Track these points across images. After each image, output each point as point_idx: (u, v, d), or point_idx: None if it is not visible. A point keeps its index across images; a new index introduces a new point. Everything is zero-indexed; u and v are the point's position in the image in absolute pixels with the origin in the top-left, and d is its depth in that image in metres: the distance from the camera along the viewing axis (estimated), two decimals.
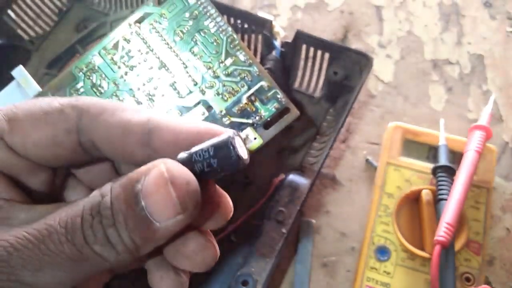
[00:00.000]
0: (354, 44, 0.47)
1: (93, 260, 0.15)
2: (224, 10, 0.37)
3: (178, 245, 0.18)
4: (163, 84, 0.33)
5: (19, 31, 0.46)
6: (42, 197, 0.19)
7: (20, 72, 0.33)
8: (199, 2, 0.33)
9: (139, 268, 0.20)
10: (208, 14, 0.33)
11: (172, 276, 0.18)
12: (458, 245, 0.34)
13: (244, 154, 0.16)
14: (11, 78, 0.35)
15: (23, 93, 0.33)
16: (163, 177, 0.15)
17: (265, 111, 0.33)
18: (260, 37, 0.41)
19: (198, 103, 0.33)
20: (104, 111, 0.17)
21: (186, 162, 0.16)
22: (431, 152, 0.39)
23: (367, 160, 0.41)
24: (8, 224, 0.16)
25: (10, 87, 0.34)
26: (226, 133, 0.16)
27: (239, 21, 0.40)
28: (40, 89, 0.33)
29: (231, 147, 0.16)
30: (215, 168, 0.16)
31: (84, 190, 0.20)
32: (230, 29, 0.33)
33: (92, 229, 0.15)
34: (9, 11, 0.45)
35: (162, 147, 0.17)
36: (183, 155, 0.16)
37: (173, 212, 0.15)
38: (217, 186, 0.19)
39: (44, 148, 0.17)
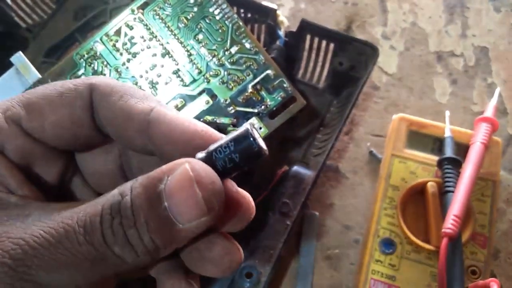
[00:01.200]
0: (358, 36, 0.46)
1: (111, 261, 0.15)
2: None
3: (201, 250, 0.17)
4: (166, 72, 0.32)
5: (17, 19, 0.45)
6: (53, 194, 0.18)
7: (19, 58, 0.33)
8: None
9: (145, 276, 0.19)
10: (213, 0, 0.32)
11: (184, 285, 0.18)
12: (464, 238, 0.34)
13: (263, 144, 0.16)
14: (9, 66, 0.34)
15: (22, 79, 0.32)
16: (188, 176, 0.15)
17: (271, 100, 0.32)
18: (263, 26, 0.40)
19: (203, 91, 0.32)
20: (113, 93, 0.17)
21: (207, 161, 0.16)
22: (436, 144, 0.38)
23: (370, 152, 0.41)
24: (23, 221, 0.15)
25: (9, 73, 0.33)
26: (244, 125, 0.16)
27: (242, 10, 0.39)
28: (40, 76, 0.32)
29: (252, 139, 0.15)
30: (237, 162, 0.16)
31: (90, 192, 0.20)
32: (235, 16, 0.32)
33: (112, 229, 0.15)
34: None
35: (158, 139, 0.17)
36: (201, 154, 0.16)
37: (198, 213, 0.15)
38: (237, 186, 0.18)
39: (62, 128, 0.17)
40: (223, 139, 0.16)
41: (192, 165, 0.15)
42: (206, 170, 0.15)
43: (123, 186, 0.15)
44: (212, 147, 0.16)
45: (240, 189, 0.18)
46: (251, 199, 0.18)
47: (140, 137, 0.17)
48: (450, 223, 0.31)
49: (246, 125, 0.16)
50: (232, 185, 0.18)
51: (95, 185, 0.19)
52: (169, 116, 0.17)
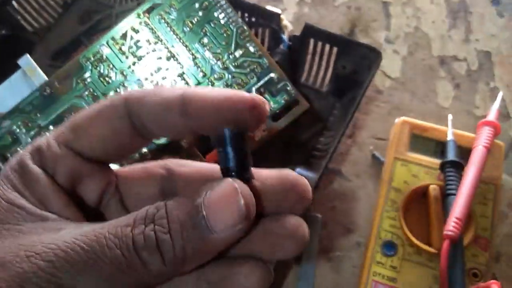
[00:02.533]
0: (361, 40, 0.47)
1: (136, 267, 0.15)
2: (232, 3, 0.36)
3: (274, 230, 0.18)
4: (171, 75, 0.32)
5: (23, 22, 0.46)
6: (92, 215, 0.19)
7: (26, 60, 0.33)
8: None
9: None
10: (218, 5, 0.33)
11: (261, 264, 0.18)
12: (465, 241, 0.34)
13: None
14: (15, 69, 0.34)
15: (29, 82, 0.33)
16: (233, 187, 0.16)
17: (274, 103, 0.32)
18: (267, 30, 0.40)
19: None
20: (145, 95, 0.18)
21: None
22: (438, 147, 0.39)
23: (373, 156, 0.41)
24: (57, 233, 0.16)
25: (16, 76, 0.33)
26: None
27: (246, 14, 0.39)
28: (46, 78, 0.33)
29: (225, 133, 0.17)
30: (231, 154, 0.17)
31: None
32: (240, 20, 0.33)
33: (144, 235, 0.15)
34: (13, 2, 0.45)
35: (197, 113, 0.18)
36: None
37: (236, 220, 0.16)
38: None
39: (106, 140, 0.18)
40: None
41: (235, 179, 0.16)
42: (245, 186, 0.17)
43: (156, 204, 0.16)
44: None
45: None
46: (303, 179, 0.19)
47: (181, 121, 0.18)
48: (451, 226, 0.31)
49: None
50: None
51: (135, 209, 0.20)
52: (199, 92, 0.18)
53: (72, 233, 0.16)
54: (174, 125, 0.18)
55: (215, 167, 0.19)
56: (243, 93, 0.18)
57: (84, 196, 0.19)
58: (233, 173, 0.17)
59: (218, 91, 0.18)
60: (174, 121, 0.18)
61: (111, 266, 0.15)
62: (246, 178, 0.17)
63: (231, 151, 0.17)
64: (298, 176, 0.19)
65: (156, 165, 0.20)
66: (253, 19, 0.40)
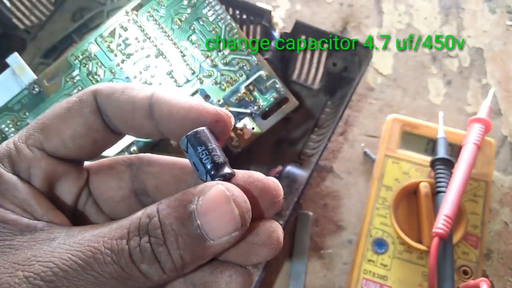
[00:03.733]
0: (353, 37, 0.47)
1: (138, 279, 0.15)
2: (223, 0, 0.36)
3: (248, 239, 0.18)
4: (160, 73, 0.32)
5: (15, 20, 0.46)
6: (72, 218, 0.19)
7: (15, 59, 0.33)
8: None
9: None
10: (206, 2, 0.33)
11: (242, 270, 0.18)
12: (456, 238, 0.34)
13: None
14: (5, 68, 0.34)
15: (18, 80, 0.33)
16: (225, 195, 0.16)
17: (264, 101, 0.32)
18: (258, 27, 0.40)
19: (196, 92, 0.32)
20: (115, 91, 0.18)
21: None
22: (429, 144, 0.39)
23: (365, 153, 0.41)
24: (50, 245, 0.16)
25: (5, 74, 0.33)
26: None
27: (237, 12, 0.39)
28: (35, 77, 0.33)
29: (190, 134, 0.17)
30: (214, 154, 0.17)
31: (104, 217, 0.20)
32: (228, 17, 0.33)
33: (140, 248, 0.15)
34: (5, 0, 0.44)
35: (162, 119, 0.18)
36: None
37: (231, 229, 0.16)
38: None
39: (80, 138, 0.18)
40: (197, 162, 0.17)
41: (226, 186, 0.16)
42: (237, 190, 0.16)
43: (148, 209, 0.16)
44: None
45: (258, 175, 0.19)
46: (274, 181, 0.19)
47: (148, 123, 0.18)
48: (441, 223, 0.31)
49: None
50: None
51: (109, 211, 0.20)
52: (168, 96, 0.18)
53: (66, 246, 0.16)
54: (140, 125, 0.18)
55: (185, 162, 0.19)
56: (208, 106, 0.18)
57: (61, 197, 0.19)
58: (212, 173, 0.17)
59: (185, 100, 0.18)
60: (141, 122, 0.18)
61: (112, 280, 0.15)
62: (228, 175, 0.17)
63: (203, 151, 0.17)
64: (269, 180, 0.18)
65: (125, 160, 0.20)
66: (244, 16, 0.40)
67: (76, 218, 0.19)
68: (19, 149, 0.17)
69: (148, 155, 0.20)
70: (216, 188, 0.16)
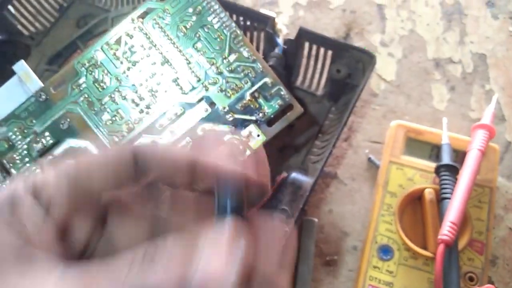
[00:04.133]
0: (356, 43, 0.47)
1: None
2: (226, 7, 0.36)
3: None
4: (166, 80, 0.33)
5: (20, 27, 0.46)
6: (81, 253, 0.19)
7: (21, 66, 0.33)
8: None
9: None
10: (211, 9, 0.33)
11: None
12: (461, 244, 0.34)
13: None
14: (11, 74, 0.34)
15: (25, 88, 0.33)
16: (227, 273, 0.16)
17: (269, 108, 0.32)
18: (262, 34, 0.40)
19: (201, 99, 0.32)
20: (154, 153, 0.18)
21: None
22: (433, 151, 0.39)
23: (369, 159, 0.41)
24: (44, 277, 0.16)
25: (11, 82, 0.33)
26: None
27: (241, 18, 0.39)
28: (42, 84, 0.33)
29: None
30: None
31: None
32: (233, 24, 0.33)
33: None
34: (10, 7, 0.45)
35: (205, 176, 0.18)
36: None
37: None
38: None
39: (107, 184, 0.18)
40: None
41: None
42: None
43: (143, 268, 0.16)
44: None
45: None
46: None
47: (188, 180, 0.18)
48: (446, 230, 0.31)
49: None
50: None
51: (123, 247, 0.20)
52: (211, 160, 0.18)
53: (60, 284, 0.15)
54: (180, 182, 0.18)
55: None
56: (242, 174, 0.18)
57: (74, 231, 0.18)
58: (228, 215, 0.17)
59: (227, 165, 0.18)
60: (181, 179, 0.18)
61: None
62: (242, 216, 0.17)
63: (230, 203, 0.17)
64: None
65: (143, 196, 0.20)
66: (248, 23, 0.40)
67: (87, 255, 0.19)
68: (48, 175, 0.17)
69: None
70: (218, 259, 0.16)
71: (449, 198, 0.34)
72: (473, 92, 0.44)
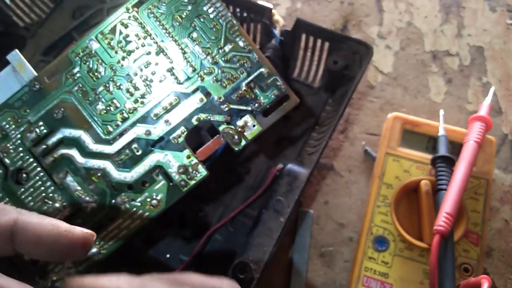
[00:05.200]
0: (354, 35, 0.47)
1: None
2: None
3: None
4: (161, 70, 0.32)
5: (15, 18, 0.46)
6: None
7: (15, 56, 0.33)
8: None
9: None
10: None
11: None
12: (456, 235, 0.34)
13: None
14: (6, 65, 0.34)
15: (18, 77, 0.33)
16: None
17: (264, 98, 0.32)
18: (259, 25, 0.40)
19: (197, 89, 0.32)
20: None
21: None
22: (430, 142, 0.39)
23: (365, 151, 0.41)
24: None
25: (5, 71, 0.33)
26: None
27: (238, 9, 0.39)
28: (36, 74, 0.32)
29: None
30: None
31: None
32: (229, 14, 0.33)
33: None
34: None
35: (26, 245, 0.18)
36: None
37: None
38: None
39: None
40: None
41: None
42: None
43: None
44: None
45: None
46: None
47: (7, 246, 0.18)
48: (442, 221, 0.31)
49: None
50: None
51: None
52: (33, 224, 0.18)
53: None
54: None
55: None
56: (75, 231, 0.18)
57: None
58: None
59: (52, 225, 0.18)
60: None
61: None
62: None
63: None
64: None
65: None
66: (245, 14, 0.39)
67: None
68: None
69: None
70: None
71: (445, 190, 0.34)
72: (470, 85, 0.44)
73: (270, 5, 0.39)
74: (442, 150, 0.36)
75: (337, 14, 0.48)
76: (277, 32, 0.40)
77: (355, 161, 0.41)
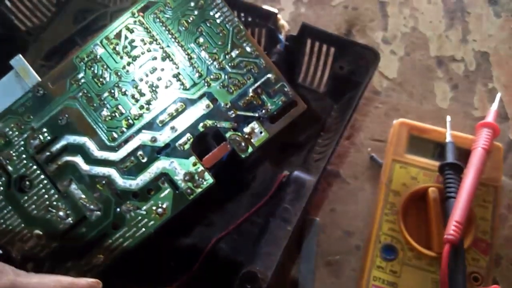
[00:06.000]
0: (358, 40, 0.46)
1: None
2: (228, 2, 0.36)
3: None
4: (167, 76, 0.32)
5: (17, 22, 0.45)
6: None
7: (18, 61, 0.32)
8: None
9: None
10: (214, 4, 0.32)
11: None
12: (465, 244, 0.34)
13: None
14: (8, 70, 0.34)
15: (22, 83, 0.32)
16: None
17: (272, 104, 0.32)
18: (264, 30, 0.40)
19: (203, 95, 0.32)
20: None
21: None
22: (437, 149, 0.38)
23: (371, 157, 0.41)
24: None
25: (8, 76, 0.32)
26: None
27: (243, 14, 0.39)
28: (39, 79, 0.32)
29: None
30: None
31: None
32: (236, 19, 0.32)
33: None
34: (7, 1, 0.44)
35: None
36: None
37: None
38: None
39: None
40: None
41: None
42: None
43: None
44: None
45: None
46: None
47: None
48: (452, 229, 0.31)
49: None
50: None
51: None
52: (32, 284, 0.18)
53: None
54: None
55: None
56: (79, 282, 0.18)
57: None
58: None
59: (54, 283, 0.18)
60: None
61: None
62: None
63: None
64: None
65: None
66: (250, 19, 0.39)
67: None
68: None
69: None
70: None
71: (454, 197, 0.33)
72: (476, 91, 0.44)
73: (275, 10, 0.38)
74: (450, 157, 0.36)
75: (341, 19, 0.48)
76: (282, 37, 0.39)
77: (361, 167, 0.41)
